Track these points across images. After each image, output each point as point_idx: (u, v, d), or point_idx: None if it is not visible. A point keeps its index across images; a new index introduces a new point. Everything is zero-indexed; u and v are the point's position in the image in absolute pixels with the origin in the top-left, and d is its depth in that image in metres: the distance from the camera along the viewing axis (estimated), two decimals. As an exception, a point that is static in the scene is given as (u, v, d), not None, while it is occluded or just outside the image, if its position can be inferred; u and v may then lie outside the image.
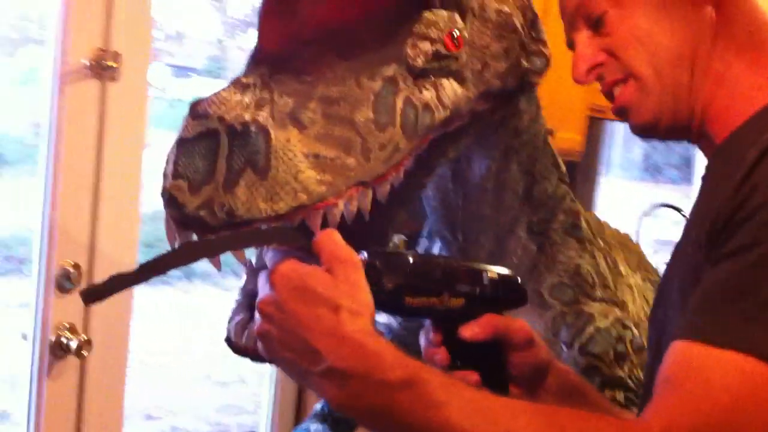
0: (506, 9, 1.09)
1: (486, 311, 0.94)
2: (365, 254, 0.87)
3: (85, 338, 1.65)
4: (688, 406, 0.70)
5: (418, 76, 0.97)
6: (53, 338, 1.62)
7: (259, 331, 0.82)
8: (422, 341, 0.97)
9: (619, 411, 1.09)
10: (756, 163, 0.76)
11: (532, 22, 1.13)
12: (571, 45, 1.01)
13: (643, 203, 4.14)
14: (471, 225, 1.29)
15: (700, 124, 0.94)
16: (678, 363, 0.73)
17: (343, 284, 0.79)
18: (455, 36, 0.99)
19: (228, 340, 0.97)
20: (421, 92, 0.97)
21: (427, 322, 0.97)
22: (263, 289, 0.82)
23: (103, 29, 1.64)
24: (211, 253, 0.81)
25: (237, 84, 0.87)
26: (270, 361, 0.86)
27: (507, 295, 0.96)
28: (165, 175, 0.85)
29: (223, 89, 0.86)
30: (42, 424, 1.62)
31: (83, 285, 1.66)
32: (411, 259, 0.90)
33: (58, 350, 1.63)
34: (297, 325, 0.78)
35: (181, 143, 0.84)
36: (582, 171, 3.59)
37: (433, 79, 0.99)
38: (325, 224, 0.88)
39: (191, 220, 0.83)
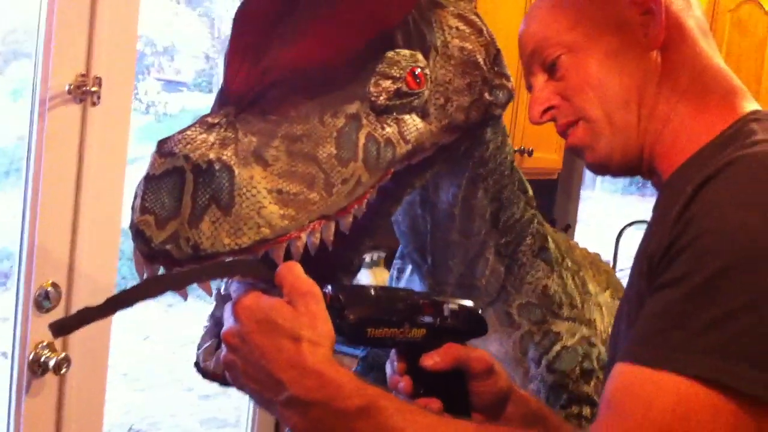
0: (468, 46, 1.12)
1: (447, 341, 0.98)
2: (330, 288, 0.91)
3: (64, 355, 1.68)
4: (629, 425, 0.74)
5: (381, 112, 1.01)
6: (31, 356, 1.65)
7: (225, 361, 0.87)
8: (388, 370, 1.01)
9: (574, 430, 1.13)
10: (692, 197, 0.80)
11: (495, 57, 1.17)
12: (529, 88, 1.06)
13: (629, 217, 4.19)
14: (440, 249, 1.33)
15: (649, 161, 0.98)
16: (618, 385, 0.77)
17: (303, 316, 0.83)
18: (417, 74, 1.03)
19: (197, 365, 1.00)
20: (383, 128, 1.01)
21: (393, 352, 1.01)
22: (228, 320, 0.86)
23: (84, 54, 1.68)
24: (178, 286, 0.85)
25: (203, 123, 0.90)
26: (237, 388, 0.89)
27: (467, 326, 1.01)
28: (133, 209, 0.89)
29: (189, 128, 0.89)
30: (21, 440, 1.65)
31: (62, 304, 1.70)
32: (373, 293, 0.95)
33: (36, 368, 1.66)
34: (260, 357, 0.82)
35: (149, 180, 0.88)
36: (563, 187, 3.66)
37: (395, 115, 1.03)
38: (288, 256, 0.92)
39: (158, 254, 0.87)
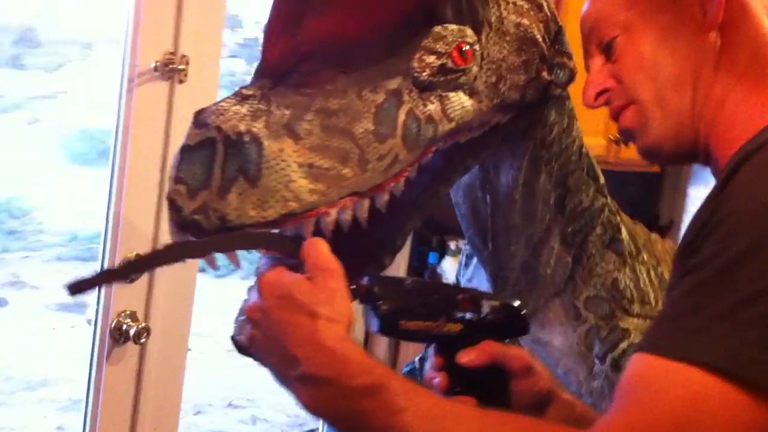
0: (525, 22, 1.08)
1: (486, 338, 0.96)
2: (366, 279, 0.92)
3: (144, 325, 1.73)
4: (638, 417, 0.70)
5: (424, 89, 0.98)
6: (113, 324, 1.72)
7: (249, 336, 0.87)
8: (427, 365, 1.00)
9: None
10: (728, 178, 0.76)
11: (556, 34, 1.12)
12: (588, 70, 1.02)
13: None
14: (501, 234, 1.29)
15: (705, 147, 0.92)
16: (633, 374, 0.73)
17: (322, 292, 0.82)
18: (464, 50, 1.00)
19: (232, 338, 1.01)
20: (425, 105, 0.98)
21: (431, 348, 0.99)
22: (252, 295, 0.87)
23: (172, 32, 1.72)
24: (199, 253, 0.85)
25: (238, 95, 0.90)
26: (260, 363, 0.89)
27: (508, 324, 0.98)
28: (170, 179, 0.90)
29: (224, 100, 0.90)
30: (100, 406, 1.72)
31: (145, 275, 1.75)
32: (410, 285, 0.94)
33: (118, 336, 1.72)
34: (278, 333, 0.82)
35: (184, 150, 0.89)
36: (670, 182, 3.52)
37: (439, 92, 1.00)
38: (320, 233, 0.91)
39: (188, 224, 0.87)
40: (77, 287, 0.81)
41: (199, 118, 0.89)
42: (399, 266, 2.48)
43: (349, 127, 0.93)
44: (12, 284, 4.55)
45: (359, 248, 1.04)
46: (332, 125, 0.92)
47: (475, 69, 1.03)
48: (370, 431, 0.79)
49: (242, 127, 0.87)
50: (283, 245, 0.89)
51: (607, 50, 0.97)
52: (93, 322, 1.75)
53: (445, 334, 0.94)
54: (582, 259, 1.32)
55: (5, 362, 3.87)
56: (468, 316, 0.95)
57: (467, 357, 0.94)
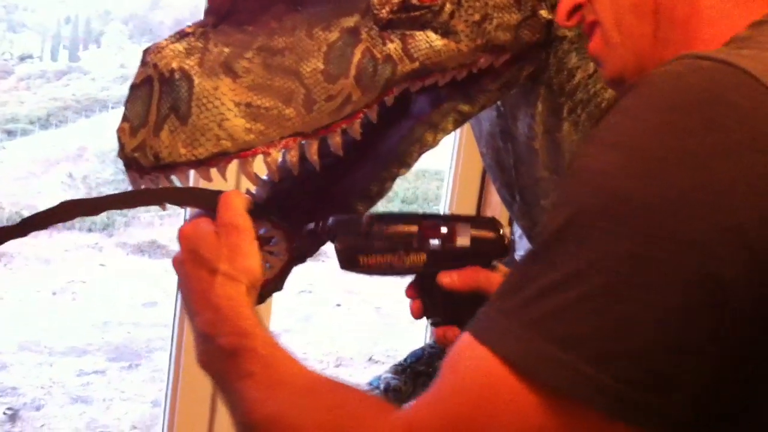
0: (516, -45, 1.00)
1: (460, 266, 0.91)
2: (330, 220, 0.91)
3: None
4: (437, 398, 0.63)
5: (385, 27, 0.94)
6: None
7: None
8: None
9: None
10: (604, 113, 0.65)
11: (557, -33, 1.03)
12: None
13: None
14: (529, 187, 1.22)
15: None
16: (452, 350, 0.65)
17: (224, 248, 0.82)
18: (431, -15, 0.94)
19: None
20: (384, 44, 0.94)
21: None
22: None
23: None
24: (94, 211, 0.85)
25: (179, 33, 0.90)
26: None
27: (482, 247, 0.92)
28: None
29: (165, 38, 0.90)
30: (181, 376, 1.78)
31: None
32: (367, 220, 0.91)
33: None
34: (185, 285, 0.85)
35: (131, 88, 0.90)
36: None
37: (402, 30, 0.95)
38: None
39: (130, 161, 0.89)
40: None
41: (144, 56, 0.90)
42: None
43: (295, 66, 0.90)
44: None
45: (326, 193, 1.02)
46: (276, 64, 0.90)
47: (448, 6, 0.97)
48: (225, 393, 0.78)
49: (174, 65, 0.87)
50: (198, 200, 0.89)
51: None
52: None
53: (410, 266, 0.90)
54: None
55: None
56: (434, 244, 0.90)
57: (447, 278, 0.91)
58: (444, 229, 0.91)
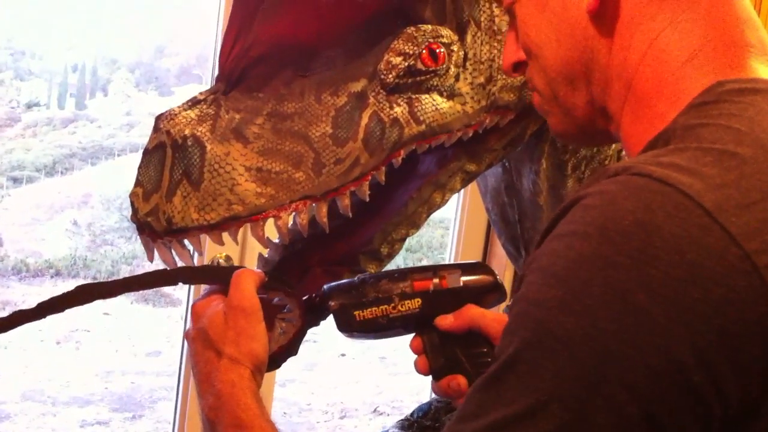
0: (519, 20, 1.02)
1: (456, 307, 0.92)
2: (325, 287, 0.93)
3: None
4: None
5: (392, 91, 0.96)
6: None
7: None
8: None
9: None
10: (557, 218, 0.64)
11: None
12: None
13: None
14: (533, 241, 1.23)
15: (617, 128, 0.77)
16: None
17: (230, 331, 0.84)
18: (436, 51, 0.96)
19: None
20: (392, 108, 0.96)
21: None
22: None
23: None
24: (109, 294, 0.87)
25: (192, 100, 0.93)
26: None
27: (474, 289, 0.93)
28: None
29: (178, 105, 0.93)
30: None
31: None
32: (360, 279, 0.93)
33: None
34: (193, 362, 0.86)
35: (144, 153, 0.93)
36: None
37: (409, 94, 0.97)
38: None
39: (143, 225, 0.91)
40: None
41: (156, 123, 0.92)
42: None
43: (304, 131, 0.92)
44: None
45: (340, 254, 1.04)
46: (285, 129, 0.92)
47: (452, 70, 0.99)
48: None
49: (187, 132, 0.89)
50: (212, 278, 0.90)
51: (512, 17, 0.82)
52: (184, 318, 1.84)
53: (406, 313, 0.91)
54: None
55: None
56: (427, 288, 0.91)
57: (444, 321, 0.91)
58: (435, 278, 0.92)
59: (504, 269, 2.01)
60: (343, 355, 4.29)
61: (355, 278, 0.93)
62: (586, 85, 0.75)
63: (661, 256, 0.56)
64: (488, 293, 0.93)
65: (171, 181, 0.89)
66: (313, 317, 0.95)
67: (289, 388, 3.90)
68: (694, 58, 0.69)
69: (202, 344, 0.84)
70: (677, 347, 0.55)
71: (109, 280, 0.89)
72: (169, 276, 0.90)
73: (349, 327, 0.92)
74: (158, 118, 0.92)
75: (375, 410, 3.76)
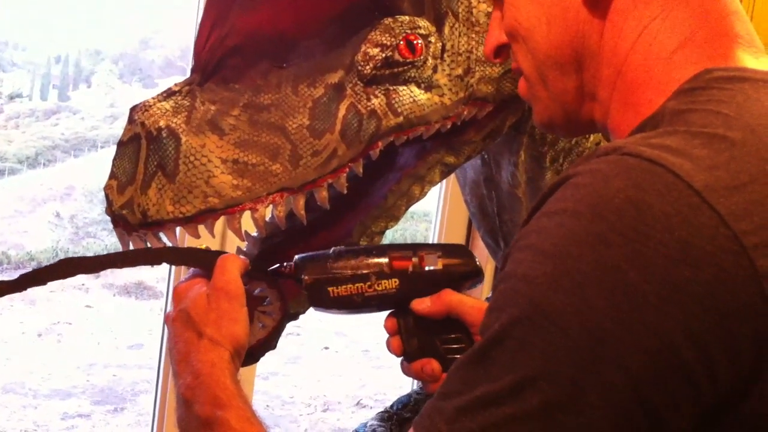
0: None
1: (432, 291, 0.90)
2: (296, 258, 0.90)
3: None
4: None
5: (369, 83, 0.95)
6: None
7: None
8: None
9: None
10: (544, 197, 0.63)
11: (539, 24, 1.05)
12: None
13: None
14: (512, 233, 1.23)
15: (604, 127, 0.78)
16: None
17: (212, 312, 0.83)
18: (413, 42, 0.96)
19: None
20: (369, 99, 0.95)
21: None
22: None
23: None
24: (91, 270, 0.86)
25: (166, 91, 0.91)
26: None
27: (454, 272, 0.90)
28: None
29: (153, 96, 0.92)
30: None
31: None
32: (336, 253, 0.90)
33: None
34: (172, 343, 0.85)
35: (118, 145, 0.91)
36: None
37: (387, 86, 0.96)
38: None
39: (118, 218, 0.90)
40: None
41: (131, 114, 0.91)
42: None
43: (280, 123, 0.91)
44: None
45: (319, 247, 1.03)
46: (262, 120, 0.91)
47: (430, 61, 0.98)
48: None
49: (162, 123, 0.88)
50: (197, 261, 0.89)
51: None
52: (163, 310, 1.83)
53: (382, 293, 0.88)
54: None
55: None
56: (405, 268, 0.89)
57: (421, 305, 0.89)
58: (414, 257, 0.90)
59: (486, 262, 2.01)
60: (326, 348, 4.29)
61: (330, 250, 0.90)
62: (576, 71, 0.75)
63: (651, 234, 0.56)
64: (467, 278, 0.91)
65: (146, 174, 0.88)
66: (303, 305, 0.92)
67: (272, 381, 3.90)
68: (683, 47, 0.69)
69: (183, 324, 0.83)
70: (670, 327, 0.55)
71: (93, 255, 0.88)
72: (154, 255, 0.88)
73: (322, 303, 0.89)
74: (133, 110, 0.91)
75: (358, 403, 3.76)
